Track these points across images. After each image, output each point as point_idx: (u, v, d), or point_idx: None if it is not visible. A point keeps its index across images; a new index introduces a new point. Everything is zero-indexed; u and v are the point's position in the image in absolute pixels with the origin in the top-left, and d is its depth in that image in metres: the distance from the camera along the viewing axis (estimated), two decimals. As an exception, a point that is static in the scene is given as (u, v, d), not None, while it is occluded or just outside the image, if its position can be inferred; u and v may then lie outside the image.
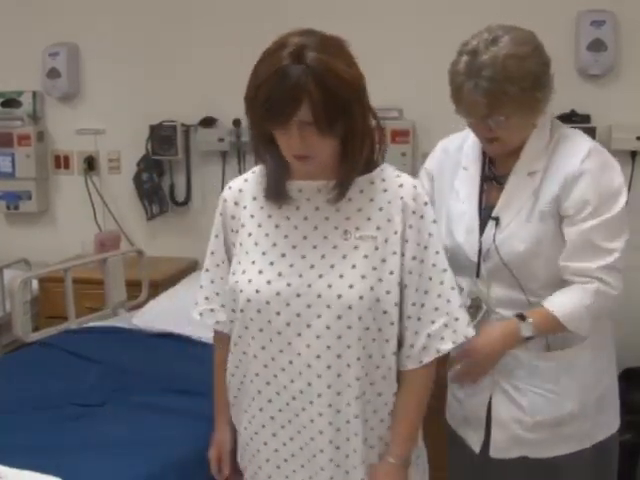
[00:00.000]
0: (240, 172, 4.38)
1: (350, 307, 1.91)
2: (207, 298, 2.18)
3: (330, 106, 1.81)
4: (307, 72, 1.80)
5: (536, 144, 2.30)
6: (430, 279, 1.99)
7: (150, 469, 2.46)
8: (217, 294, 2.16)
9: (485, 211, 2.36)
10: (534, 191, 2.27)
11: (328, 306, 1.92)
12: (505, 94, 2.15)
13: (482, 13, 4.03)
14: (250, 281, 1.98)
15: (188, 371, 3.14)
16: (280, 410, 2.03)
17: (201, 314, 2.20)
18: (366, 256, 1.94)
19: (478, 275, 2.33)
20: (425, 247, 1.98)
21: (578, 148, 2.27)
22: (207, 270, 2.17)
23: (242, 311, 2.00)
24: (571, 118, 3.97)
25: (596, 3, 3.94)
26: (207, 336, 3.40)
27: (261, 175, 2.07)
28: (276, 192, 2.00)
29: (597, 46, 3.93)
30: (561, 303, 2.22)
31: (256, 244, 2.01)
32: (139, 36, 4.53)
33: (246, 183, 2.10)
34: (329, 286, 1.92)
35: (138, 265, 4.11)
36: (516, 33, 2.22)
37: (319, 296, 1.93)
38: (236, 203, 2.08)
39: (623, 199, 2.24)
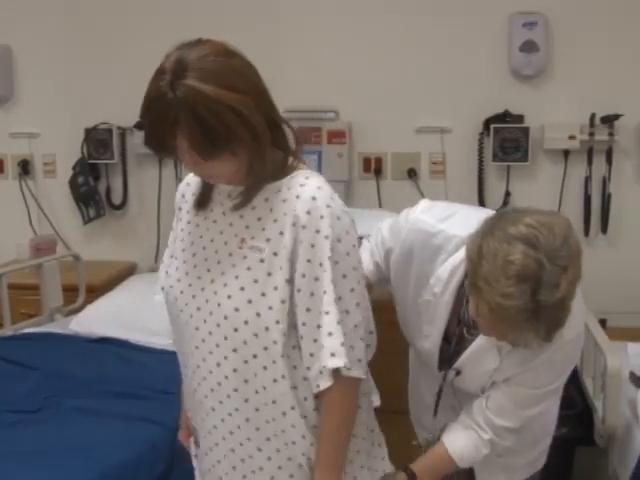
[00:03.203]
0: (177, 174, 4.37)
1: (226, 317, 1.85)
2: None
3: (207, 136, 1.71)
4: (177, 105, 1.71)
5: None
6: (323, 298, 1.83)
7: (87, 475, 2.43)
8: None
9: (450, 331, 2.17)
10: (496, 367, 2.09)
11: (210, 313, 1.87)
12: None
13: (417, 14, 4.10)
14: (172, 287, 1.97)
15: (126, 375, 3.12)
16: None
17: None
18: (249, 268, 1.84)
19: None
20: (320, 264, 1.81)
21: None
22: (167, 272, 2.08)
23: (168, 312, 2.02)
24: (505, 118, 4.03)
25: (528, 5, 4.00)
26: (145, 340, 3.41)
27: None
28: (201, 194, 1.97)
29: (529, 47, 3.99)
30: (461, 450, 2.15)
31: (183, 250, 1.98)
32: (73, 37, 4.48)
33: (194, 177, 2.02)
34: (215, 293, 1.87)
35: (75, 270, 4.07)
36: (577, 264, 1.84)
37: (207, 301, 1.88)
38: (183, 195, 2.05)
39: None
